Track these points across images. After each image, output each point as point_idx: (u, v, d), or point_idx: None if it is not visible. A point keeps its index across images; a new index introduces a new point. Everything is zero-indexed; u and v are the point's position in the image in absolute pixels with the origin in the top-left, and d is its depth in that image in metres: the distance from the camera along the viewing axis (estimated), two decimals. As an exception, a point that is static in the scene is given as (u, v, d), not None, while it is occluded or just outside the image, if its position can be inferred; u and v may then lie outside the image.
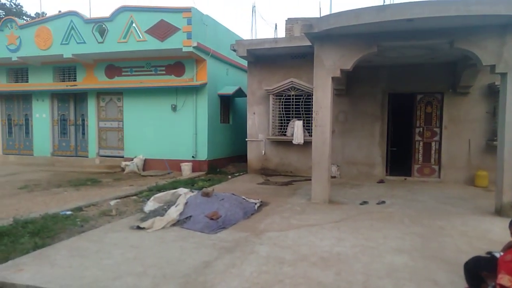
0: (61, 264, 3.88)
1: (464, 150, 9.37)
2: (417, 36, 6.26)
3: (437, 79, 9.44)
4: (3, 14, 24.17)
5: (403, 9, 5.53)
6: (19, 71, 13.70)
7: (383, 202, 6.96)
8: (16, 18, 13.25)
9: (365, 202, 6.93)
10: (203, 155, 11.65)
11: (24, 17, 25.62)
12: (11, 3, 26.36)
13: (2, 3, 25.83)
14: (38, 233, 5.07)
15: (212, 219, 5.39)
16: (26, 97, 13.61)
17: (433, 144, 9.77)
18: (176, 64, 11.70)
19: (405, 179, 9.78)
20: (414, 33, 6.23)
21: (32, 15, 26.33)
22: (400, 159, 10.36)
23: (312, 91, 7.89)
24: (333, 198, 7.15)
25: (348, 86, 9.79)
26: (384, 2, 12.79)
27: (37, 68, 13.19)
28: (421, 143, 9.87)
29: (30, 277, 3.54)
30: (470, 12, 5.36)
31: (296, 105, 10.47)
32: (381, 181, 9.47)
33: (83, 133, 13.08)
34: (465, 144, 9.35)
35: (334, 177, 9.67)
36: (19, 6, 26.68)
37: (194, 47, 10.69)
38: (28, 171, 11.74)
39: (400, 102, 10.06)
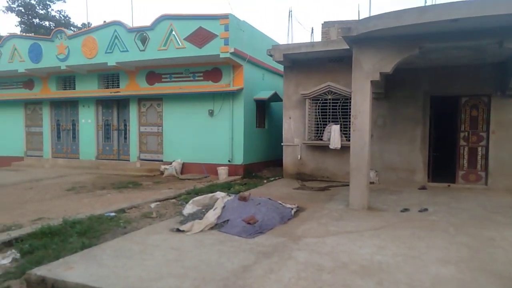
0: (107, 263, 4.05)
1: (514, 156, 8.81)
2: (463, 36, 5.99)
3: (483, 81, 8.96)
4: (53, 26, 25.82)
5: (448, 9, 5.31)
6: (67, 79, 14.54)
7: (426, 209, 6.69)
8: (65, 29, 14.09)
9: (406, 209, 6.69)
10: (239, 159, 11.77)
11: (71, 27, 27.21)
12: (60, 15, 28.10)
13: (52, 15, 27.59)
14: (85, 233, 5.33)
15: (249, 223, 5.42)
16: (73, 104, 14.42)
17: (479, 149, 9.27)
18: (213, 70, 11.94)
19: (449, 185, 9.34)
20: (459, 34, 5.97)
21: (79, 25, 27.91)
22: (443, 165, 9.91)
23: (350, 95, 7.76)
24: (372, 204, 6.97)
25: (387, 89, 9.53)
26: (425, 3, 12.34)
27: (83, 76, 13.94)
28: (466, 148, 9.39)
29: (79, 275, 3.73)
30: (521, 10, 5.07)
31: (333, 109, 10.33)
32: (423, 188, 9.10)
33: (125, 138, 13.64)
34: (515, 149, 8.80)
35: (373, 182, 9.42)
36: (67, 18, 28.39)
37: (231, 53, 10.86)
38: (74, 174, 12.40)
39: (443, 105, 9.65)
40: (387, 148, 9.81)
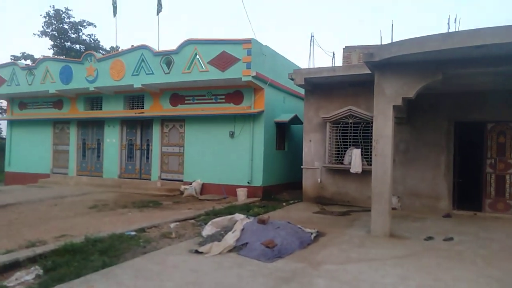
0: (127, 284, 4.08)
1: (545, 185, 8.45)
2: (488, 62, 5.92)
3: (511, 107, 8.75)
4: (84, 49, 27.05)
5: (473, 36, 5.29)
6: (94, 99, 15.10)
7: (451, 238, 6.45)
8: (94, 52, 14.76)
9: (430, 238, 6.48)
10: (258, 181, 11.76)
11: (100, 50, 28.41)
12: (91, 39, 29.44)
13: (83, 39, 28.94)
14: (106, 252, 5.40)
15: (268, 247, 5.37)
16: (99, 123, 14.89)
17: (507, 177, 8.95)
18: (235, 92, 12.16)
19: (475, 214, 9.00)
20: (485, 60, 5.91)
21: (108, 48, 29.11)
22: (469, 192, 9.59)
23: (371, 119, 7.72)
24: (394, 231, 6.78)
25: (409, 114, 9.43)
26: (448, 29, 12.31)
27: (110, 97, 14.45)
28: (493, 176, 9.09)
29: (99, 294, 3.76)
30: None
31: (354, 133, 10.27)
32: (447, 215, 8.80)
33: (147, 157, 13.91)
34: (546, 178, 8.45)
35: (395, 208, 9.19)
36: (97, 41, 29.68)
37: (253, 77, 11.06)
38: (97, 192, 12.66)
39: (468, 131, 9.44)
40: (409, 173, 9.61)
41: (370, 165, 7.84)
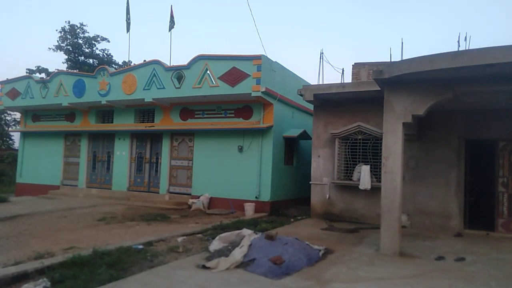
0: (133, 297, 4.07)
1: (560, 205, 8.26)
2: (499, 81, 5.90)
3: (523, 125, 8.65)
4: (97, 63, 27.65)
5: (483, 54, 5.29)
6: (106, 113, 15.34)
7: (463, 259, 6.31)
8: (107, 67, 15.05)
9: (441, 258, 6.35)
10: (266, 196, 11.72)
11: (113, 65, 28.99)
12: (104, 53, 30.10)
13: (96, 54, 29.62)
14: (114, 265, 5.39)
15: (275, 263, 5.32)
16: (109, 136, 15.08)
17: (520, 196, 8.78)
18: (244, 107, 12.25)
19: (487, 234, 8.80)
20: (496, 78, 5.89)
21: (120, 63, 29.70)
22: (480, 211, 9.42)
23: (380, 135, 7.70)
24: (404, 250, 6.66)
25: (419, 130, 9.38)
26: (459, 47, 12.33)
27: (121, 110, 14.67)
28: (505, 195, 8.92)
29: (106, 307, 3.75)
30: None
31: (363, 149, 10.23)
32: (459, 235, 8.63)
33: (156, 171, 13.99)
34: (561, 198, 8.26)
35: (404, 226, 9.04)
36: (110, 56, 30.34)
37: (262, 92, 11.15)
38: (106, 204, 12.73)
39: (479, 149, 9.33)
40: (420, 191, 9.50)
41: (379, 181, 7.79)
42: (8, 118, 33.61)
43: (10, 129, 33.18)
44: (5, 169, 23.68)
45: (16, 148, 25.19)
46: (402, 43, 23.47)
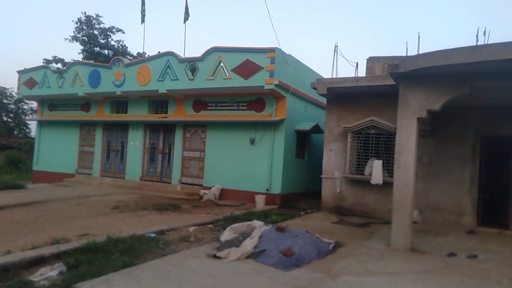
0: (146, 284, 4.17)
1: None
2: (518, 76, 5.76)
3: (541, 122, 8.45)
4: (112, 54, 27.92)
5: (503, 49, 5.17)
6: (120, 103, 15.53)
7: (475, 256, 6.25)
8: (122, 58, 15.19)
9: (452, 254, 6.30)
10: (276, 189, 11.75)
11: (128, 56, 29.25)
12: (119, 45, 30.36)
13: (111, 45, 29.90)
14: (127, 252, 5.51)
15: (285, 255, 5.36)
16: (123, 127, 15.28)
17: (536, 195, 8.61)
18: (257, 100, 12.25)
19: (501, 232, 8.68)
20: (514, 74, 5.76)
21: (135, 54, 29.93)
22: (494, 209, 9.27)
23: (393, 130, 7.63)
24: (415, 245, 6.63)
25: (434, 126, 9.25)
26: (477, 42, 12.03)
27: (135, 101, 14.83)
28: (521, 193, 8.76)
29: (119, 292, 3.86)
30: None
31: (375, 144, 10.15)
32: (471, 232, 8.53)
33: (169, 161, 14.15)
34: None
35: (416, 222, 8.98)
36: (124, 47, 30.60)
37: (275, 85, 11.12)
38: (119, 193, 12.95)
39: (495, 146, 9.15)
40: (432, 187, 9.40)
41: (391, 176, 7.73)
42: (25, 107, 34.36)
43: (27, 117, 33.95)
44: (22, 157, 24.28)
45: (33, 136, 25.78)
46: (419, 37, 23.10)
